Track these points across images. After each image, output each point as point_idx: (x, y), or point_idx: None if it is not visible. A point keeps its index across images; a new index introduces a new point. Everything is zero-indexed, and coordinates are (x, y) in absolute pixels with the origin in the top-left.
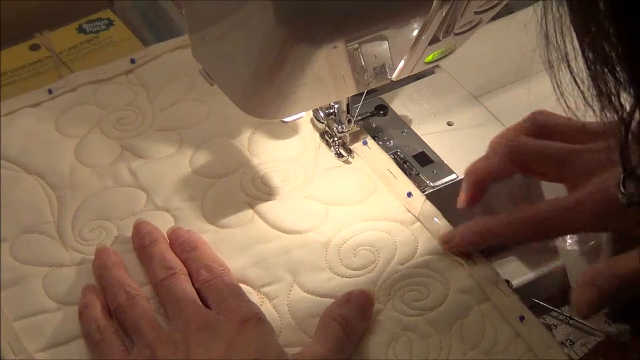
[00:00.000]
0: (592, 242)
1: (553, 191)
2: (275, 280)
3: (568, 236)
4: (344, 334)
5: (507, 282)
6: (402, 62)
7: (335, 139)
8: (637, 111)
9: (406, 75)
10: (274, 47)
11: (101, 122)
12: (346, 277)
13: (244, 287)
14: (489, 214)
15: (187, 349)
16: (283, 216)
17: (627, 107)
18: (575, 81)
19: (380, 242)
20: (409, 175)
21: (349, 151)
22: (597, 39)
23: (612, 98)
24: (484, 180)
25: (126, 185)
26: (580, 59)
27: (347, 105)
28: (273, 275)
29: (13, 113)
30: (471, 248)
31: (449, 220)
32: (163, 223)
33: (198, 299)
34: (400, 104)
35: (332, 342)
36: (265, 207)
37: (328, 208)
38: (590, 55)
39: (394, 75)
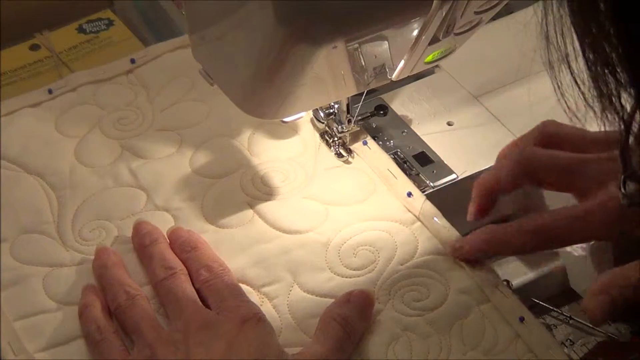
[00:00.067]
0: (593, 242)
1: (561, 201)
2: (275, 280)
3: None
4: (344, 334)
5: (507, 282)
6: (402, 62)
7: (335, 139)
8: (637, 112)
9: (406, 75)
10: (274, 47)
11: (101, 122)
12: (346, 277)
13: (244, 287)
14: (495, 221)
15: (187, 349)
16: (283, 216)
17: (628, 108)
18: (576, 82)
19: (380, 242)
20: (409, 175)
21: (349, 151)
22: (598, 40)
23: (613, 99)
24: (493, 191)
25: (126, 185)
26: (580, 60)
27: (347, 105)
28: (273, 275)
29: (13, 113)
30: (480, 256)
31: (449, 220)
32: (163, 223)
33: (198, 299)
34: (400, 104)
35: (332, 342)
36: (265, 207)
37: (328, 208)
38: (591, 56)
39: (394, 75)
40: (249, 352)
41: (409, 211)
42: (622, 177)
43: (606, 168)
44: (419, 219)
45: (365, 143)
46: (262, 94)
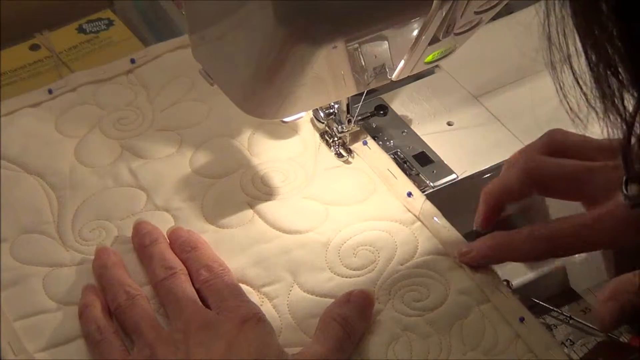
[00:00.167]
0: None
1: (568, 209)
2: (275, 280)
3: None
4: (344, 334)
5: (507, 282)
6: (402, 62)
7: (335, 139)
8: (639, 113)
9: (406, 75)
10: (274, 47)
11: (101, 122)
12: (346, 277)
13: (244, 287)
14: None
15: (187, 349)
16: (283, 216)
17: (630, 109)
18: (578, 83)
19: (380, 242)
20: (409, 175)
21: (349, 151)
22: (600, 41)
23: (615, 100)
24: (501, 200)
25: (126, 185)
26: (582, 60)
27: (347, 105)
28: (273, 275)
29: (13, 113)
30: (487, 262)
31: (449, 220)
32: (163, 223)
33: (198, 299)
34: (400, 104)
35: (332, 342)
36: (265, 207)
37: (328, 208)
38: (593, 57)
39: (394, 75)
40: (249, 352)
41: (409, 211)
42: (625, 179)
43: (612, 176)
44: (419, 219)
45: (365, 143)
46: (262, 94)
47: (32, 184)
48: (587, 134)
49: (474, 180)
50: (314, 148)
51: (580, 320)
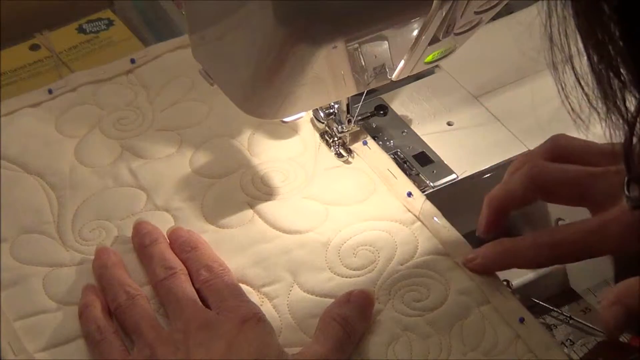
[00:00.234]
0: None
1: (574, 214)
2: (275, 280)
3: None
4: (344, 334)
5: (507, 282)
6: (402, 62)
7: (335, 139)
8: None
9: (406, 75)
10: (274, 47)
11: (101, 122)
12: (346, 277)
13: (244, 287)
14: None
15: (187, 349)
16: (283, 216)
17: (632, 110)
18: (580, 83)
19: (380, 241)
20: (409, 175)
21: (349, 151)
22: (602, 42)
23: (617, 100)
24: (505, 207)
25: (126, 185)
26: (584, 61)
27: (347, 105)
28: (273, 275)
29: (13, 113)
30: (494, 269)
31: (449, 220)
32: (163, 223)
33: (198, 299)
34: (400, 104)
35: (332, 342)
36: (265, 207)
37: (328, 208)
38: (595, 58)
39: (394, 75)
40: (249, 352)
41: (409, 211)
42: (626, 179)
43: (616, 181)
44: (419, 219)
45: (365, 143)
46: (262, 94)
47: (32, 184)
48: (589, 135)
49: (474, 180)
50: (314, 148)
51: (580, 320)
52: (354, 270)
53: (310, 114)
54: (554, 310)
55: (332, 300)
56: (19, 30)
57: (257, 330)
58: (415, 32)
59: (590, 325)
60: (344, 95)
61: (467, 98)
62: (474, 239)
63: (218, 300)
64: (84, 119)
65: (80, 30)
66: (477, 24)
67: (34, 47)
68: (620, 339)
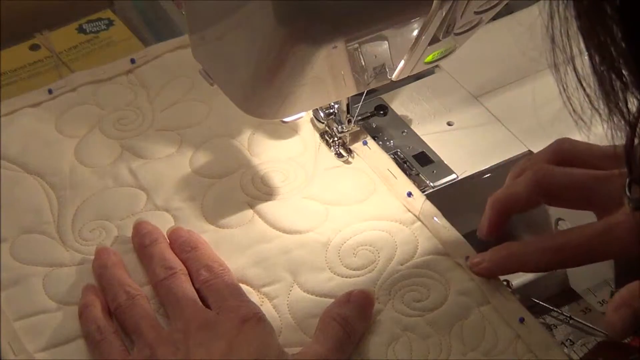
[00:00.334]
0: None
1: (572, 216)
2: (275, 280)
3: None
4: (344, 334)
5: (507, 282)
6: (402, 62)
7: (335, 139)
8: None
9: (406, 75)
10: (274, 47)
11: (101, 122)
12: (346, 277)
13: (244, 287)
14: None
15: (187, 349)
16: (283, 216)
17: (634, 110)
18: (582, 84)
19: (380, 241)
20: (409, 175)
21: (349, 151)
22: (604, 42)
23: (619, 101)
24: (509, 210)
25: (126, 185)
26: (586, 62)
27: (347, 105)
28: (273, 275)
29: (13, 113)
30: (499, 272)
31: (449, 220)
32: (163, 223)
33: (198, 299)
34: (400, 104)
35: (332, 342)
36: (265, 207)
37: (328, 208)
38: (597, 59)
39: (394, 75)
40: (249, 352)
41: (409, 211)
42: (627, 180)
43: (620, 184)
44: (419, 219)
45: (365, 143)
46: (262, 94)
47: (32, 184)
48: (590, 136)
49: (474, 180)
50: (314, 148)
51: (580, 320)
52: (354, 270)
53: (310, 114)
54: (554, 310)
55: (332, 300)
56: (19, 30)
57: (257, 330)
58: (415, 32)
59: (590, 325)
60: (344, 95)
61: (467, 98)
62: (474, 239)
63: (218, 300)
64: (84, 119)
65: (80, 30)
66: (477, 24)
67: (34, 47)
68: (620, 339)
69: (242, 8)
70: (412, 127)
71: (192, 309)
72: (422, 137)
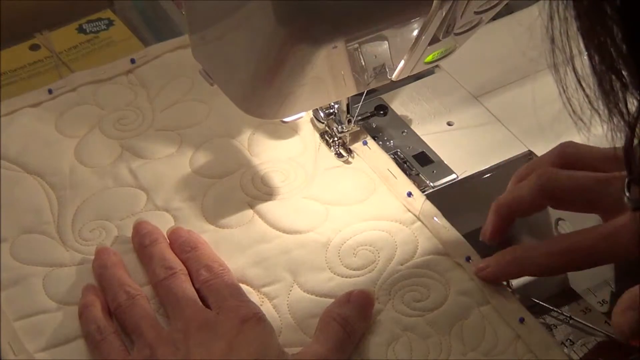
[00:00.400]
0: None
1: (572, 217)
2: (275, 280)
3: None
4: (344, 334)
5: (507, 282)
6: (402, 62)
7: (335, 139)
8: None
9: (406, 75)
10: (274, 47)
11: (101, 122)
12: (346, 277)
13: (244, 287)
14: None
15: (187, 349)
16: (283, 216)
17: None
18: (581, 85)
19: (380, 241)
20: (409, 175)
21: (349, 151)
22: (604, 43)
23: (618, 102)
24: (513, 214)
25: (126, 185)
26: (586, 62)
27: (347, 105)
28: (273, 275)
29: (13, 113)
30: (505, 277)
31: (449, 220)
32: (163, 223)
33: (198, 299)
34: (400, 104)
35: (332, 342)
36: (265, 207)
37: (328, 208)
38: (597, 59)
39: (394, 75)
40: (249, 352)
41: (409, 211)
42: (627, 180)
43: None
44: (419, 219)
45: (365, 143)
46: (262, 94)
47: (32, 184)
48: (590, 136)
49: (474, 180)
50: (314, 148)
51: (580, 320)
52: (354, 270)
53: (310, 114)
54: (554, 310)
55: (332, 300)
56: (19, 30)
57: (257, 330)
58: (415, 32)
59: (591, 325)
60: (344, 95)
61: (467, 98)
62: (474, 239)
63: (218, 300)
64: (84, 119)
65: (80, 30)
66: (477, 24)
67: (34, 47)
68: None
69: (242, 8)
70: (412, 127)
71: (192, 309)
72: (422, 137)
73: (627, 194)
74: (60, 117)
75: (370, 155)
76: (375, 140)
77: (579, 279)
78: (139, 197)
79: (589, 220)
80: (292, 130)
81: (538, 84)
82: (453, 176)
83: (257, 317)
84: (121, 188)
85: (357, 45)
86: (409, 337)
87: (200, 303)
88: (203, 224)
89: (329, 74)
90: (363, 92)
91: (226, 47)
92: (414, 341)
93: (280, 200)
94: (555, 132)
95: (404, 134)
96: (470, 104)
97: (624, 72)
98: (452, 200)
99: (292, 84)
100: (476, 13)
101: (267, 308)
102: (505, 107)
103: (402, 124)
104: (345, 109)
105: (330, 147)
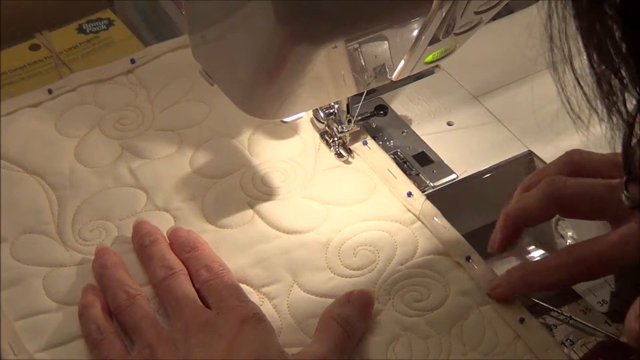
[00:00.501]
0: None
1: (591, 228)
2: (275, 280)
3: (569, 235)
4: (344, 334)
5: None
6: (402, 62)
7: (335, 139)
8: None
9: (406, 75)
10: (274, 47)
11: (101, 122)
12: (346, 277)
13: (244, 287)
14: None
15: (188, 349)
16: (283, 216)
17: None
18: (580, 84)
19: (380, 241)
20: (409, 175)
21: (349, 151)
22: (602, 42)
23: (617, 101)
24: (522, 224)
25: (126, 185)
26: (584, 61)
27: (347, 105)
28: (273, 275)
29: (13, 113)
30: (517, 293)
31: (449, 220)
32: (163, 223)
33: (198, 299)
34: (400, 104)
35: (332, 342)
36: (265, 207)
37: (328, 208)
38: (595, 58)
39: (394, 75)
40: (249, 352)
41: (409, 211)
42: (625, 179)
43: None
44: (419, 219)
45: (365, 143)
46: (262, 94)
47: (32, 184)
48: (589, 135)
49: (474, 180)
50: (314, 148)
51: (580, 320)
52: (354, 270)
53: (310, 114)
54: (554, 310)
55: (332, 300)
56: (19, 30)
57: (257, 330)
58: (415, 32)
59: (591, 325)
60: (344, 95)
61: (467, 98)
62: (474, 239)
63: (218, 300)
64: (84, 119)
65: (80, 30)
66: (477, 24)
67: (34, 47)
68: (620, 339)
69: (242, 8)
70: (412, 127)
71: (192, 309)
72: (422, 137)
73: (626, 193)
74: (60, 117)
75: (370, 155)
76: (375, 140)
77: None
78: (139, 197)
79: (589, 220)
80: (292, 130)
81: (538, 83)
82: (453, 176)
83: (257, 317)
84: (121, 188)
85: (357, 45)
86: (409, 337)
87: (200, 303)
88: (203, 224)
89: (329, 74)
90: (363, 92)
91: (226, 47)
92: (414, 341)
93: (280, 200)
94: (554, 131)
95: (404, 134)
96: (470, 104)
97: (622, 71)
98: (452, 200)
99: (292, 84)
100: (476, 13)
101: (267, 308)
102: (505, 107)
103: (402, 124)
104: (345, 109)
105: (330, 147)
